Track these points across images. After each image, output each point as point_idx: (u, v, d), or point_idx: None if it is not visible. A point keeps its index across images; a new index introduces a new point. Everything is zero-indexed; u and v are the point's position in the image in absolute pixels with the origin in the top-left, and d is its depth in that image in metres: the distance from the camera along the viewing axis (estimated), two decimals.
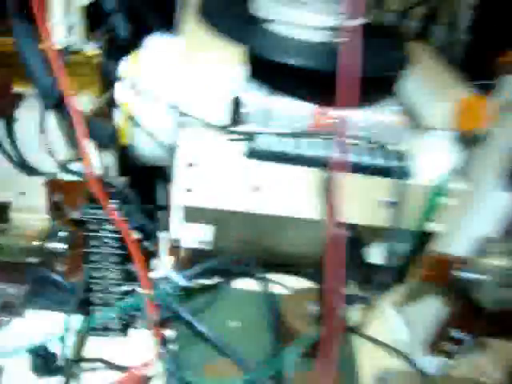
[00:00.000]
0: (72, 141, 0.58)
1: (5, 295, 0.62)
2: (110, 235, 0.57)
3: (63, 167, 0.57)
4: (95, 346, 0.61)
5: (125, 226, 0.49)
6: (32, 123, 0.73)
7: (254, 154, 0.51)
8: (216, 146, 0.51)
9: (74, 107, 0.40)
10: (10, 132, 0.73)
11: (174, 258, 0.62)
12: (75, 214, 0.57)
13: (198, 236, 0.60)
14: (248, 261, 0.66)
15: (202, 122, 0.51)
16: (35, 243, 0.59)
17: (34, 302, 0.64)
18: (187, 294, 0.63)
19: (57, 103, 0.54)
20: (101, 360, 0.59)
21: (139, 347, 0.62)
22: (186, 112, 0.50)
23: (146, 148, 0.59)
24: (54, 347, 0.57)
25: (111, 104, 0.61)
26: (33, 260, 0.60)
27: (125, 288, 0.60)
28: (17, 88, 0.73)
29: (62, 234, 0.59)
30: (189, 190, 0.51)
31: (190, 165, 0.50)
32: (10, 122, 0.72)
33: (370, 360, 0.60)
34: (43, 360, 0.55)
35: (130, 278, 0.61)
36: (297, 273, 0.71)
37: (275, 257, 0.68)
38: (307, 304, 0.59)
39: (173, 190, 0.54)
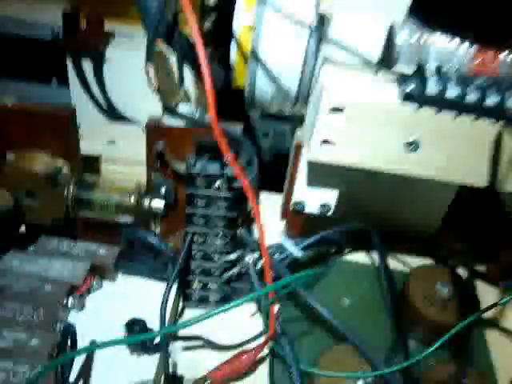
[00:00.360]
0: (179, 79, 0.48)
1: (95, 256, 0.54)
2: (220, 194, 0.48)
3: (170, 110, 0.48)
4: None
5: (246, 180, 0.40)
6: (124, 64, 0.65)
7: (411, 97, 0.40)
8: (367, 87, 0.40)
9: (198, 35, 0.31)
10: (99, 75, 0.65)
11: (289, 223, 0.52)
12: (180, 167, 0.48)
13: (321, 201, 0.50)
14: (367, 232, 0.56)
15: (352, 56, 0.40)
16: (130, 200, 0.50)
17: (127, 266, 0.56)
18: (296, 266, 0.53)
19: (168, 31, 0.44)
20: (201, 338, 0.51)
21: (241, 323, 0.54)
22: (333, 41, 0.40)
23: (269, 91, 0.49)
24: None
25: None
26: (127, 219, 0.51)
27: (230, 257, 0.52)
28: (109, 25, 0.64)
29: (162, 189, 0.51)
30: (326, 142, 0.41)
31: (335, 110, 0.40)
32: (98, 63, 0.64)
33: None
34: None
35: (236, 246, 0.53)
36: (421, 250, 0.60)
37: (399, 231, 0.57)
38: (435, 285, 0.51)
39: (304, 141, 0.44)
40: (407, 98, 0.40)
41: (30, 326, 0.48)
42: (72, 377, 0.43)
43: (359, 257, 0.62)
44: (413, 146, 0.41)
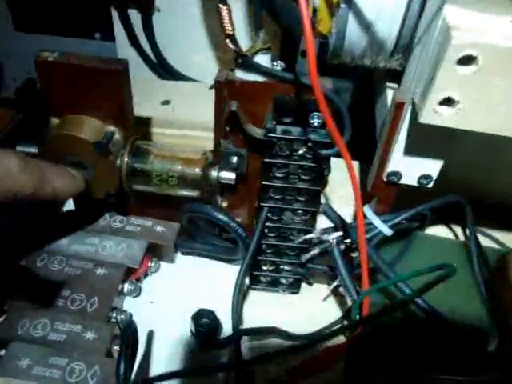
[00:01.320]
0: (256, 24, 0.39)
1: (152, 234, 0.47)
2: (304, 163, 0.40)
3: (244, 61, 0.39)
4: (260, 305, 0.48)
5: (343, 144, 0.32)
6: (176, 11, 0.56)
7: None
8: (504, 33, 0.31)
9: None
10: (148, 25, 0.56)
11: (379, 197, 0.44)
12: (256, 131, 0.40)
13: (421, 171, 0.42)
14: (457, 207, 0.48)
15: None
16: (195, 171, 0.43)
17: (188, 245, 0.49)
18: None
19: None
20: (275, 330, 0.44)
21: (316, 310, 0.48)
22: None
23: (361, 40, 0.40)
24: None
25: None
26: (190, 193, 0.44)
27: (311, 235, 0.44)
28: None
29: (233, 159, 0.42)
30: (448, 101, 0.32)
31: (464, 59, 0.30)
32: (147, 12, 0.56)
33: None
34: (208, 331, 0.41)
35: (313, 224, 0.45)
36: None
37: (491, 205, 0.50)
38: None
39: (407, 99, 0.35)
40: None
41: (84, 315, 0.42)
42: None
43: (439, 230, 0.55)
44: None
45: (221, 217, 0.42)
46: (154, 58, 0.59)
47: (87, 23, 0.63)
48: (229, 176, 0.42)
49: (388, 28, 0.39)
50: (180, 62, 0.58)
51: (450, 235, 0.55)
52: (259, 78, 0.39)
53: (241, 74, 0.39)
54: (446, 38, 0.31)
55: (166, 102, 0.53)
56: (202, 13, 0.56)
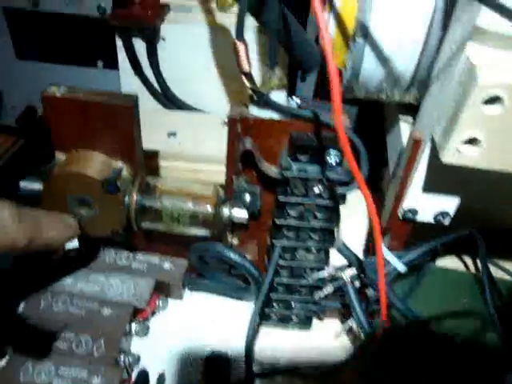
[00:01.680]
0: (272, 61, 0.38)
1: (160, 272, 0.46)
2: (320, 202, 0.39)
3: (260, 98, 0.38)
4: (270, 342, 0.46)
5: (363, 181, 0.31)
6: (183, 41, 0.55)
7: None
8: None
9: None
10: (153, 55, 0.56)
11: (393, 233, 0.43)
12: (271, 170, 0.39)
13: (438, 208, 0.41)
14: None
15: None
16: (207, 209, 0.41)
17: (195, 282, 0.48)
18: None
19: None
20: (287, 370, 0.43)
21: (328, 346, 0.46)
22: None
23: (377, 74, 0.39)
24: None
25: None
26: (201, 232, 0.42)
27: (324, 274, 0.43)
28: None
29: (246, 196, 0.41)
30: (472, 141, 0.31)
31: (488, 101, 0.30)
32: (152, 41, 0.55)
33: None
34: (220, 374, 0.39)
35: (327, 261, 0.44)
36: None
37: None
38: None
39: (425, 135, 0.34)
40: None
41: (90, 360, 0.40)
42: None
43: (450, 262, 0.54)
44: None
45: (234, 257, 0.41)
46: (158, 88, 0.57)
47: (89, 51, 0.62)
48: (241, 215, 0.41)
49: (405, 63, 0.39)
50: (184, 91, 0.57)
51: (462, 266, 0.54)
52: (274, 115, 0.38)
53: (255, 111, 0.38)
54: (471, 78, 0.30)
55: (172, 134, 0.51)
56: (207, 43, 0.55)
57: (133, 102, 0.38)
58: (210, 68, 0.56)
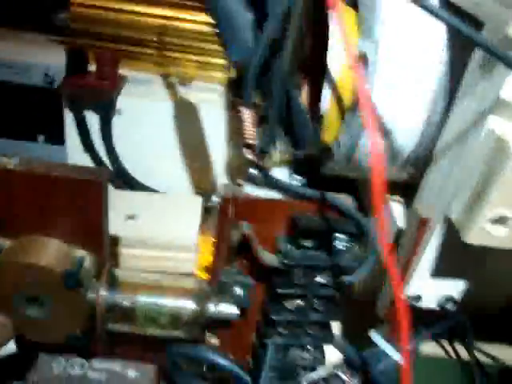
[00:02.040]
0: (271, 137, 0.34)
1: (123, 382, 0.38)
2: (325, 292, 0.34)
3: (261, 175, 0.33)
4: None
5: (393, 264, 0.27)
6: (140, 116, 0.51)
7: None
8: None
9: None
10: (107, 130, 0.50)
11: (393, 323, 0.39)
12: (269, 258, 0.33)
13: (443, 293, 0.37)
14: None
15: None
16: (192, 308, 0.34)
17: None
18: None
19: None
20: None
21: None
22: None
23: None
24: None
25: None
26: (181, 334, 0.35)
27: (319, 373, 0.37)
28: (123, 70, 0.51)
29: (237, 289, 0.35)
30: (503, 219, 0.29)
31: None
32: (107, 115, 0.50)
33: None
34: None
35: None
36: None
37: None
38: None
39: (433, 215, 0.32)
40: None
41: None
42: None
43: (430, 348, 0.49)
44: None
45: (222, 362, 0.34)
46: (110, 166, 0.51)
47: (28, 124, 0.55)
48: (230, 311, 0.35)
49: (405, 139, 0.36)
50: (141, 170, 0.52)
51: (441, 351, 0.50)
52: (274, 194, 0.33)
53: (249, 189, 0.33)
54: (503, 154, 0.28)
55: (131, 218, 0.45)
56: (167, 118, 0.51)
57: (104, 176, 0.32)
58: (169, 145, 0.52)
